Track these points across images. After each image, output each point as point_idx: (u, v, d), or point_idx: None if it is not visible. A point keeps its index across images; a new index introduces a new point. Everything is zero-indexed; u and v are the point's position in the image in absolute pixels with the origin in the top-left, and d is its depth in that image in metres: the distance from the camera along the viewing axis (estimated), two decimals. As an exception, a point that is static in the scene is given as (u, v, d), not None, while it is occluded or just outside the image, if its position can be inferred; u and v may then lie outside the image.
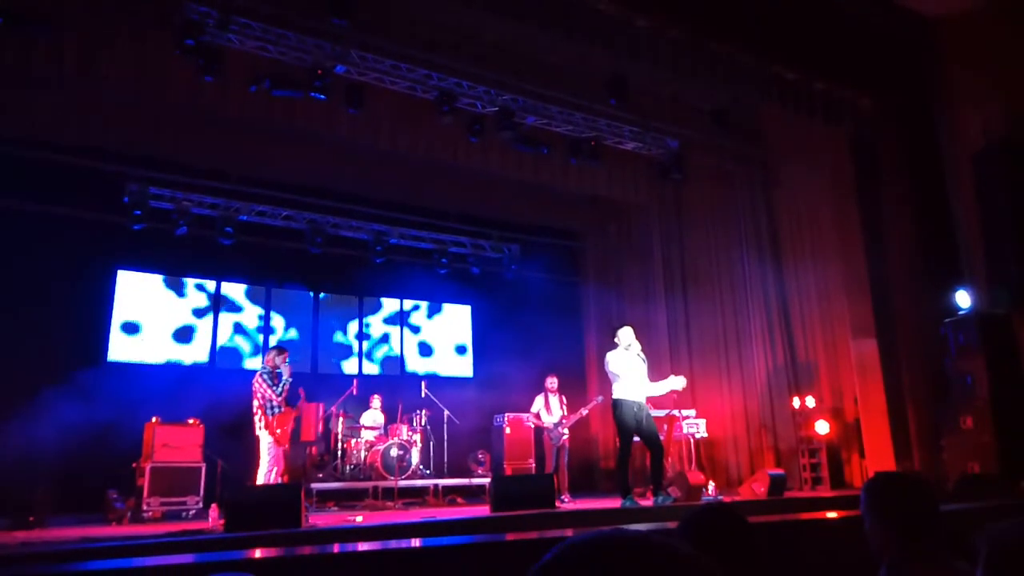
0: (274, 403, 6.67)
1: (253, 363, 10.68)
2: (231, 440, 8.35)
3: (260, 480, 6.59)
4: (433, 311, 12.51)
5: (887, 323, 8.54)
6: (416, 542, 3.50)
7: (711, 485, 8.04)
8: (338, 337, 11.56)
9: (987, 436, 7.04)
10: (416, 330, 12.30)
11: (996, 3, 7.97)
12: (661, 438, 7.26)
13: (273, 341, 10.79)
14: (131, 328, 9.89)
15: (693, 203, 11.28)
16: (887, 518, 2.14)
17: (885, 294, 8.59)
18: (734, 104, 9.47)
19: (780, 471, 7.86)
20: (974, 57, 8.23)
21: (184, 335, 10.33)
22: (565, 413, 8.70)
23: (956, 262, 8.30)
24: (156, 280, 10.26)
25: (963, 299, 7.95)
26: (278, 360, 6.79)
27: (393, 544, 3.43)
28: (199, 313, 10.51)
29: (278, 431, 6.61)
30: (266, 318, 10.98)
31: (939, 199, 8.51)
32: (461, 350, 12.57)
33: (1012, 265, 7.71)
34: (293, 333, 11.13)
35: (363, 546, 3.38)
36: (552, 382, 8.80)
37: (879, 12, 8.28)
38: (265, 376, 6.75)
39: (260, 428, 6.69)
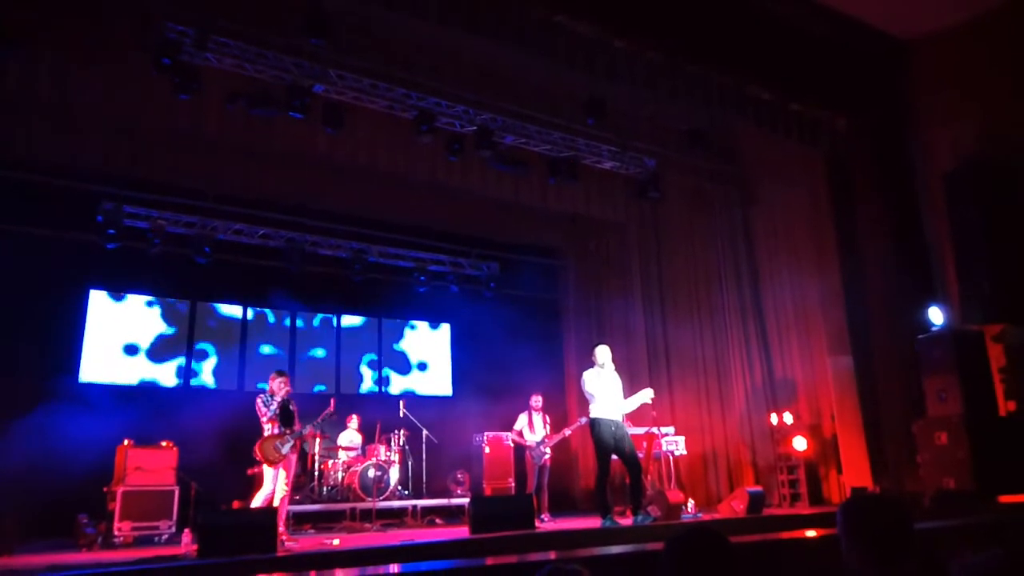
0: (264, 424, 6.61)
1: (229, 383, 10.55)
2: (206, 462, 8.21)
3: (256, 503, 6.51)
4: (412, 329, 12.45)
5: (862, 340, 8.64)
6: (394, 568, 3.45)
7: (691, 503, 8.03)
8: (316, 356, 11.45)
9: (962, 452, 7.10)
10: (395, 349, 12.23)
11: (968, 26, 8.15)
12: (639, 456, 7.25)
13: (250, 361, 10.68)
14: (104, 349, 9.72)
15: (671, 221, 11.36)
16: (863, 541, 2.15)
17: (860, 311, 8.70)
18: (711, 124, 9.59)
19: (759, 488, 7.87)
20: (946, 79, 8.41)
21: (158, 355, 10.18)
22: (548, 432, 8.67)
23: (929, 279, 8.43)
24: (130, 300, 10.12)
25: (936, 316, 8.06)
26: (275, 384, 6.75)
27: (371, 571, 3.37)
28: (173, 333, 10.36)
29: (271, 452, 6.51)
30: (243, 337, 10.85)
31: (913, 217, 8.66)
32: (440, 369, 12.50)
33: (983, 281, 7.84)
34: (270, 351, 11.00)
35: (340, 573, 3.32)
36: (537, 400, 8.79)
37: (853, 34, 8.43)
38: (262, 399, 6.72)
39: None
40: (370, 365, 11.89)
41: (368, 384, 11.81)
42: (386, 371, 11.99)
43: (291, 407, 6.77)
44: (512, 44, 7.30)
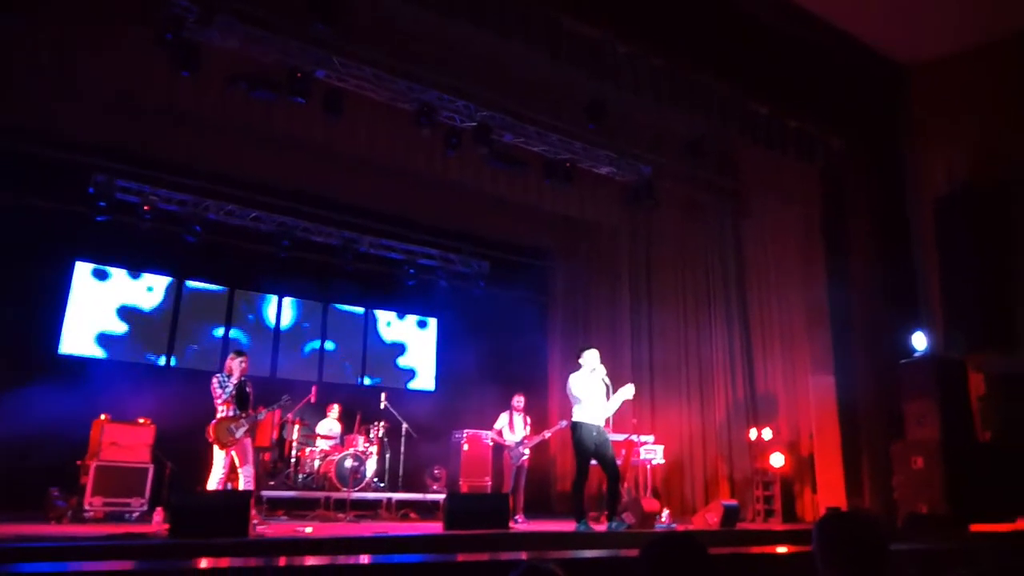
0: (219, 406, 6.48)
1: (211, 364, 10.47)
2: (184, 443, 8.12)
3: (211, 486, 6.38)
4: (398, 322, 12.41)
5: (845, 360, 8.67)
6: (365, 559, 3.43)
7: (665, 512, 8.05)
8: (299, 343, 11.40)
9: (936, 477, 7.15)
10: (379, 340, 12.19)
11: (966, 55, 8.22)
12: (618, 463, 7.25)
13: (234, 343, 10.61)
14: (85, 322, 9.64)
15: (663, 230, 11.38)
16: (838, 559, 2.16)
17: (845, 331, 8.73)
18: (709, 135, 9.61)
19: (734, 502, 7.90)
20: (942, 104, 8.48)
21: (141, 332, 10.10)
22: (528, 433, 8.67)
23: (915, 303, 8.48)
24: (115, 274, 10.03)
25: (920, 341, 8.11)
26: (233, 364, 6.61)
27: (341, 560, 3.35)
28: (158, 310, 10.29)
29: (224, 435, 6.36)
30: (227, 319, 10.78)
31: (902, 241, 8.71)
32: (423, 363, 12.47)
33: (968, 310, 7.90)
34: (254, 336, 10.94)
35: (311, 560, 3.31)
36: (519, 401, 8.78)
37: (855, 56, 8.48)
38: (218, 379, 6.58)
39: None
40: (354, 355, 11.84)
41: (351, 374, 11.77)
42: (370, 362, 11.95)
43: (247, 389, 6.58)
44: (517, 42, 7.27)
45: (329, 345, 11.62)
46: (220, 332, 10.71)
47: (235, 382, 6.51)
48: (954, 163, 8.32)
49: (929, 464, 7.22)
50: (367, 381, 11.78)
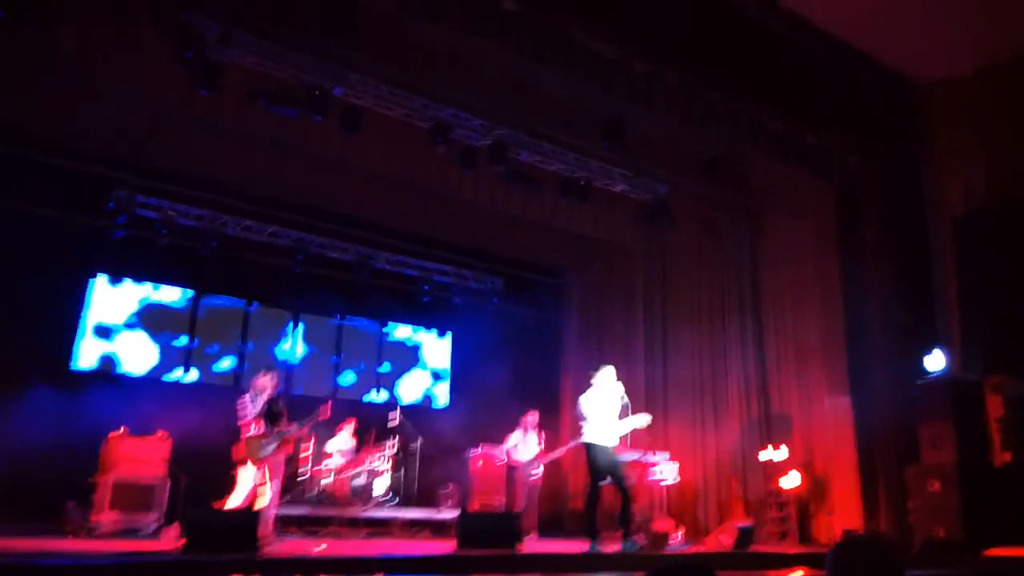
0: (247, 423, 6.49)
1: (227, 378, 10.56)
2: (201, 457, 8.15)
3: (235, 503, 6.35)
4: (412, 339, 12.45)
5: (861, 381, 8.61)
6: (378, 581, 3.45)
7: (679, 533, 7.99)
8: (315, 358, 11.45)
9: (953, 501, 7.06)
10: (393, 356, 12.22)
11: (983, 74, 8.19)
12: (631, 482, 7.21)
13: (249, 358, 10.68)
14: (102, 336, 9.75)
15: (678, 248, 11.36)
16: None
17: (861, 351, 8.67)
18: (725, 152, 9.61)
19: (748, 523, 7.83)
20: (959, 124, 8.44)
21: (158, 346, 10.19)
22: (541, 450, 8.64)
23: (932, 324, 8.41)
24: (131, 289, 10.14)
25: (937, 362, 8.04)
26: (263, 380, 6.61)
27: (354, 582, 3.37)
28: (174, 325, 10.38)
29: (255, 452, 6.38)
30: (243, 335, 10.86)
31: (919, 260, 8.65)
32: (437, 379, 12.49)
33: (986, 331, 7.83)
34: (269, 351, 11.01)
35: (323, 581, 3.32)
36: (532, 418, 8.76)
37: (872, 73, 8.46)
38: (248, 396, 6.59)
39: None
40: (368, 371, 11.88)
41: (365, 390, 11.80)
42: (384, 378, 11.98)
43: (277, 406, 6.57)
44: (532, 60, 7.34)
45: (343, 360, 11.66)
46: (236, 347, 10.78)
47: (265, 399, 6.52)
48: (972, 183, 8.28)
49: (945, 488, 7.14)
50: (382, 397, 11.81)
